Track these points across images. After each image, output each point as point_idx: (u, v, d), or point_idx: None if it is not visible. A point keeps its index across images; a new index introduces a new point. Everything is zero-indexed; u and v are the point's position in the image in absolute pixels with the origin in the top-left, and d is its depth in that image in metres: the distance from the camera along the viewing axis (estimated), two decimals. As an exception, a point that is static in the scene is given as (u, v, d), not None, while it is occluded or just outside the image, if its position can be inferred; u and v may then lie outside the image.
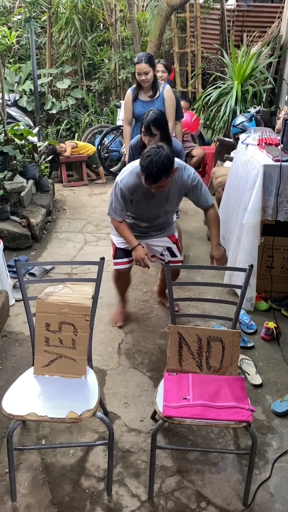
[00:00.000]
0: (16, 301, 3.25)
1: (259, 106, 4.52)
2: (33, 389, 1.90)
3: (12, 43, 4.45)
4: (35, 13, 4.98)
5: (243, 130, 3.79)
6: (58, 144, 5.62)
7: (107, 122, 6.63)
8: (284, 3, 6.20)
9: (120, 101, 6.32)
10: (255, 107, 4.31)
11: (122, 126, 5.93)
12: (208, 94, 5.46)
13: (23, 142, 4.53)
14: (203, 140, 6.35)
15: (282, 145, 3.06)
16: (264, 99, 5.51)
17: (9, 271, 3.35)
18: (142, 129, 3.16)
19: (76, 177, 6.09)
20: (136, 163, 2.46)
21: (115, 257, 2.85)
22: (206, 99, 5.42)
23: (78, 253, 4.07)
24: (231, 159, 4.09)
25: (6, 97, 4.99)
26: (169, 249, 2.86)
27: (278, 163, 2.87)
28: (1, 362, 2.67)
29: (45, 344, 1.96)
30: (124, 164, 6.09)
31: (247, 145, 3.36)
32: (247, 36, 6.75)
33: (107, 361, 2.72)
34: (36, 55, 6.09)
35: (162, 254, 2.86)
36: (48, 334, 1.95)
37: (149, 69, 3.53)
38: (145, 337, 2.94)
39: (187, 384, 1.94)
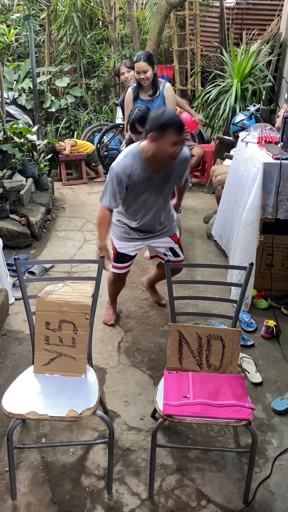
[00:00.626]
0: (15, 299, 3.24)
1: (259, 104, 4.51)
2: (33, 388, 1.89)
3: (11, 41, 4.42)
4: (34, 11, 4.96)
5: (243, 128, 3.78)
6: (57, 142, 5.61)
7: (106, 120, 6.62)
8: (283, 0, 6.18)
9: (119, 99, 6.32)
10: (254, 105, 4.30)
11: (121, 124, 5.95)
12: (208, 92, 5.45)
13: (22, 140, 4.52)
14: (202, 138, 6.34)
15: (282, 143, 3.06)
16: (263, 97, 5.50)
17: (8, 270, 3.34)
18: (128, 127, 3.18)
19: (75, 176, 6.08)
20: (130, 147, 2.42)
21: (115, 261, 2.79)
22: (206, 97, 5.41)
23: (77, 251, 4.07)
24: (230, 157, 4.09)
25: (5, 95, 4.98)
26: (171, 249, 2.81)
27: (278, 161, 2.87)
28: (1, 361, 2.67)
29: (45, 343, 1.96)
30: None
31: (247, 143, 3.36)
32: (246, 34, 6.73)
33: (107, 359, 2.71)
34: (35, 53, 6.07)
35: (165, 254, 2.82)
36: (48, 332, 1.95)
37: (148, 67, 3.51)
38: (145, 336, 2.94)
39: (187, 383, 1.94)
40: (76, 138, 6.31)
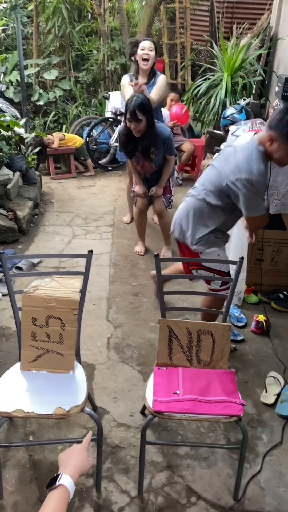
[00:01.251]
0: (2, 295, 3.18)
1: (249, 98, 4.47)
2: (20, 385, 1.85)
3: (-2, 32, 4.35)
4: (21, 1, 4.87)
5: (233, 122, 3.74)
6: (46, 135, 5.53)
7: (96, 114, 6.54)
8: (273, -6, 6.15)
9: (109, 93, 6.25)
10: (245, 99, 4.27)
11: (110, 118, 5.89)
12: (198, 86, 5.40)
13: (9, 133, 4.43)
14: (192, 132, 6.30)
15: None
16: (253, 91, 5.46)
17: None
18: (128, 116, 3.15)
19: (64, 170, 6.01)
20: (247, 148, 2.13)
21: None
22: (196, 91, 5.35)
23: (66, 246, 4.01)
24: (221, 152, 4.06)
25: (-8, 87, 4.89)
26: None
27: (269, 155, 2.84)
28: (-13, 358, 2.62)
29: (31, 339, 1.91)
30: (113, 157, 6.06)
31: (237, 137, 3.32)
32: (236, 27, 6.69)
33: (96, 355, 2.68)
34: (23, 45, 5.97)
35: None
36: (34, 328, 1.90)
37: (153, 50, 3.67)
38: (134, 331, 2.90)
39: (177, 379, 1.91)
40: (65, 131, 6.23)
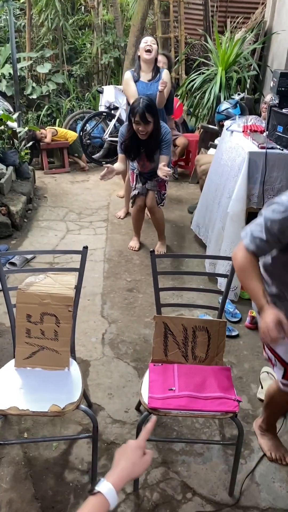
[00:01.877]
0: (-4, 291, 3.16)
1: (243, 93, 4.46)
2: (14, 382, 1.84)
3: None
4: (14, -7, 4.80)
5: (228, 117, 3.73)
6: (39, 130, 5.48)
7: (89, 108, 6.49)
8: (268, -12, 6.12)
9: (103, 86, 6.20)
10: (239, 94, 4.25)
11: (104, 112, 5.84)
12: (192, 81, 5.38)
13: (2, 127, 4.39)
14: (186, 127, 6.28)
15: (267, 132, 3.02)
16: (248, 86, 5.45)
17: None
18: (137, 118, 3.12)
19: (57, 164, 5.96)
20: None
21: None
22: (190, 85, 5.33)
23: (60, 242, 3.99)
24: (215, 146, 4.05)
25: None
26: None
27: (264, 150, 2.84)
28: (-19, 354, 2.60)
29: (26, 336, 1.90)
30: (107, 151, 6.01)
31: (232, 131, 3.32)
32: (231, 21, 6.65)
33: (91, 351, 2.67)
34: (16, 38, 5.90)
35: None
36: (29, 325, 1.89)
37: (155, 45, 3.71)
38: (129, 327, 2.90)
39: (173, 375, 1.90)
40: (58, 125, 6.18)
